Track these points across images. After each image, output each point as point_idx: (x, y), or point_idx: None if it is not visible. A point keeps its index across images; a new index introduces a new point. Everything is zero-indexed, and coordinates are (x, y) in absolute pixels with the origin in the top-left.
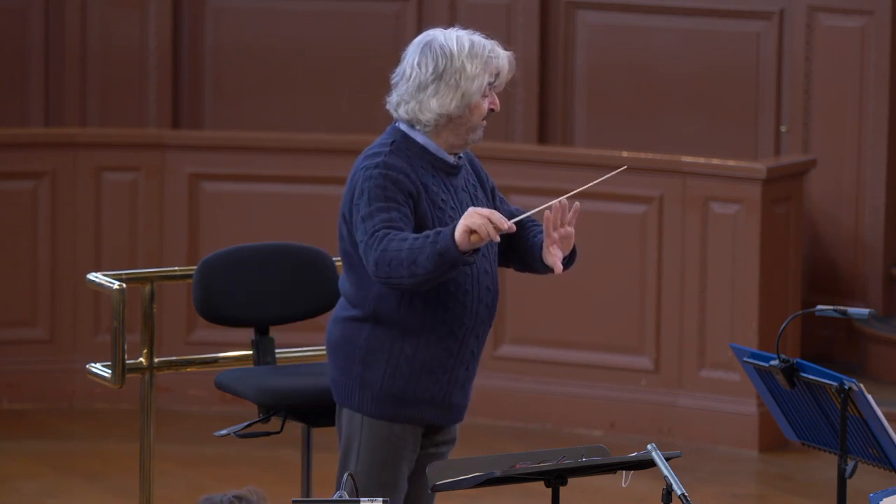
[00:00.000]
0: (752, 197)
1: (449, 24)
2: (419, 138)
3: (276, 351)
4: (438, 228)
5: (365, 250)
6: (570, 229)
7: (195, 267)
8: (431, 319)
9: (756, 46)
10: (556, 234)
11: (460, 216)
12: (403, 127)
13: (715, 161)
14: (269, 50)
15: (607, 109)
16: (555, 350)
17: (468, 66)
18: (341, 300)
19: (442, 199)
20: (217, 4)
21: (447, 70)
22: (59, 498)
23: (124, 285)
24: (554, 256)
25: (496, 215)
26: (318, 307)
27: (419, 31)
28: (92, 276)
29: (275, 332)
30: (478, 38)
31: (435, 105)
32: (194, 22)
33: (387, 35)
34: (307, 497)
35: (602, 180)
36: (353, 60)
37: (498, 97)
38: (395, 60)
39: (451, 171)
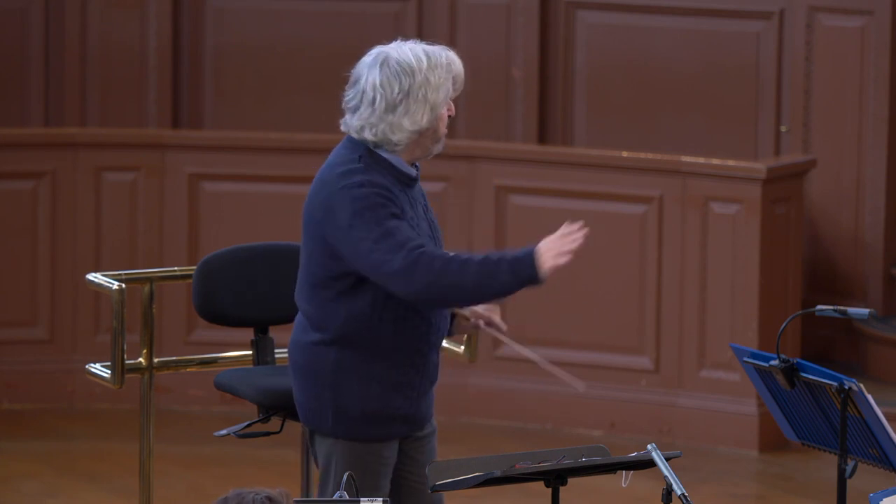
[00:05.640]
0: (752, 197)
1: (449, 24)
2: (383, 153)
3: (276, 351)
4: (502, 254)
5: (405, 269)
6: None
7: (195, 267)
8: (401, 339)
9: (756, 46)
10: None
11: (419, 229)
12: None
13: (715, 161)
14: (269, 50)
15: (607, 109)
16: (555, 350)
17: (431, 78)
18: (301, 321)
19: (409, 215)
20: (217, 4)
21: (413, 86)
22: (59, 498)
23: (124, 285)
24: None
25: (565, 244)
26: None
27: (419, 31)
28: (92, 277)
29: (274, 332)
30: (429, 47)
31: (408, 124)
32: (194, 22)
33: (387, 35)
34: (307, 497)
35: (557, 373)
36: (353, 60)
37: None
38: None
39: (412, 182)
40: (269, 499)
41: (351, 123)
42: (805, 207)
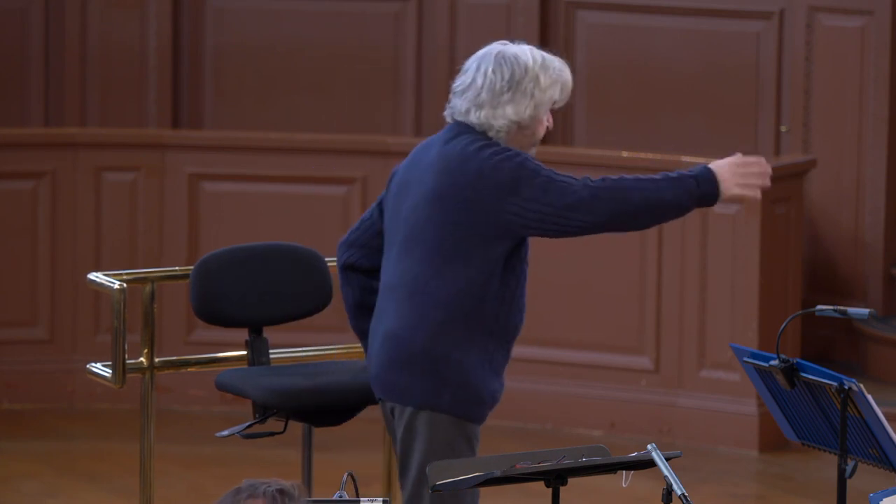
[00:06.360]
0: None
1: (449, 24)
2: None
3: (271, 351)
4: (679, 174)
5: (589, 199)
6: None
7: None
8: (508, 321)
9: (756, 46)
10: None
11: None
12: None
13: None
14: (269, 50)
15: (607, 109)
16: (555, 350)
17: (542, 78)
18: (411, 311)
19: None
20: (217, 4)
21: (523, 79)
22: (59, 498)
23: (124, 285)
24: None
25: (750, 177)
26: (312, 308)
27: (419, 31)
28: (92, 276)
29: (268, 333)
30: (543, 52)
31: (510, 112)
32: (194, 22)
33: (387, 35)
34: (307, 497)
35: None
36: (353, 60)
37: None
38: (396, 60)
39: None
40: (282, 491)
41: (457, 106)
42: (805, 207)
